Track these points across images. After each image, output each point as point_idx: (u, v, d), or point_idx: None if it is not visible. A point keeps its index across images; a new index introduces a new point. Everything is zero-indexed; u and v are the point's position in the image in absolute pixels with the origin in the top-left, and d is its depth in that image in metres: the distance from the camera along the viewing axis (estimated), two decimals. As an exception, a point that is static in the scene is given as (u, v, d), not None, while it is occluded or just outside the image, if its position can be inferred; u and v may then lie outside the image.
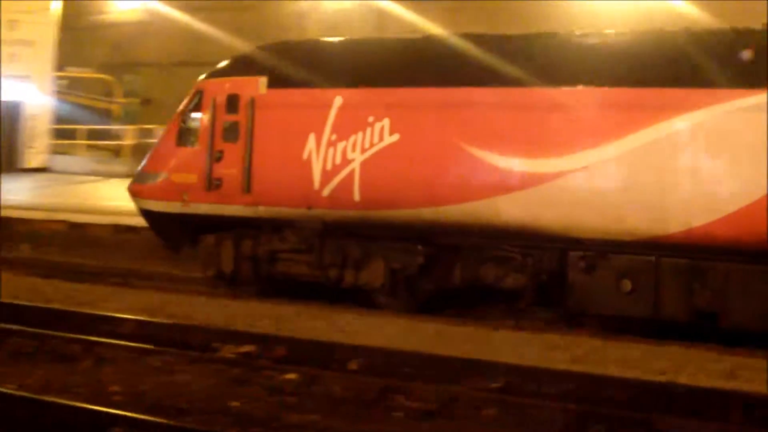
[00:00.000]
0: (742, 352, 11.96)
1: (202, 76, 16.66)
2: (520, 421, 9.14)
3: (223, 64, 16.70)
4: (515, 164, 13.77)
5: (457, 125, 14.15)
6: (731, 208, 12.57)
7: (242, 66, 16.25)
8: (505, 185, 13.79)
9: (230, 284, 16.21)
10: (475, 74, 14.20)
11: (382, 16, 34.85)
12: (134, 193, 17.02)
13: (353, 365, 11.08)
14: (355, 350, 11.38)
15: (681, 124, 12.90)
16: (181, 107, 16.63)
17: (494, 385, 10.26)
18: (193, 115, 16.39)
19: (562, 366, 10.89)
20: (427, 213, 14.29)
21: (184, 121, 16.48)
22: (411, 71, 14.93)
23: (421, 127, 14.42)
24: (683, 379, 10.56)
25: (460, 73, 14.38)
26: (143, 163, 17.16)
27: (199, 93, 16.31)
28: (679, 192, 12.84)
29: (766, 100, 12.43)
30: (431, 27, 26.26)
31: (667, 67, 13.22)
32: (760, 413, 9.33)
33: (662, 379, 10.53)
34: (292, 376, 10.44)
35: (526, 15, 30.89)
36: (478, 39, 14.62)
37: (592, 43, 14.26)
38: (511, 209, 13.74)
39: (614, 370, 10.86)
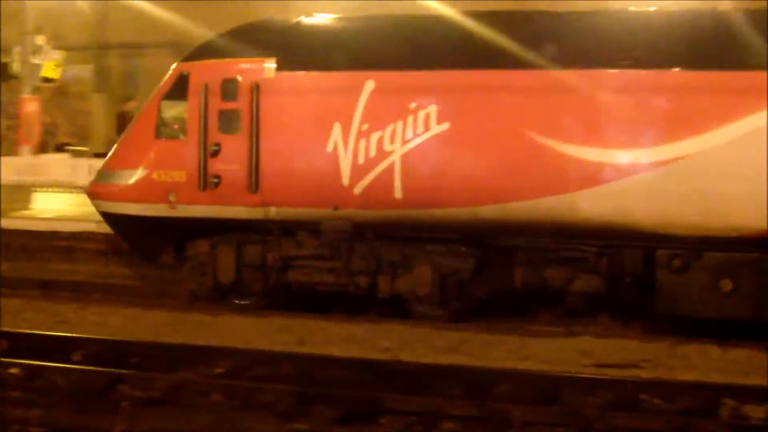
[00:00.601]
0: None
1: (184, 57, 14.20)
2: (245, 405, 9.30)
3: (212, 42, 14.29)
4: (600, 156, 12.27)
5: (527, 113, 12.48)
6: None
7: (240, 45, 13.86)
8: (585, 178, 12.28)
9: (228, 296, 14.04)
10: (550, 55, 12.49)
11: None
12: (97, 194, 14.47)
13: (77, 357, 10.91)
14: (79, 342, 11.25)
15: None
16: (155, 93, 14.15)
17: (218, 371, 10.41)
18: (174, 102, 13.91)
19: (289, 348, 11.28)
20: (487, 211, 12.60)
21: (162, 110, 13.99)
22: (466, 51, 13.05)
23: (478, 114, 12.63)
24: (405, 356, 10.97)
25: (530, 54, 12.59)
26: (107, 159, 14.58)
27: (183, 77, 13.87)
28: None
29: None
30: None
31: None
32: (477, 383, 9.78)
33: (386, 356, 10.98)
34: (14, 370, 10.18)
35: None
36: (552, 16, 12.96)
37: (687, 20, 12.85)
38: (592, 205, 12.26)
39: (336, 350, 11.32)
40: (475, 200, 12.61)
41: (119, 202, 14.09)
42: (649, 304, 12.49)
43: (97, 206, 14.56)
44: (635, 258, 12.52)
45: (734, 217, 11.92)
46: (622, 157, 12.26)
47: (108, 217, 14.46)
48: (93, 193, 14.56)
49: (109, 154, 14.63)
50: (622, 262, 12.58)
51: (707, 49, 12.34)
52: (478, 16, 13.27)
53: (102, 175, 14.45)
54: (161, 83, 14.18)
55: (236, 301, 13.98)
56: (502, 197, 12.53)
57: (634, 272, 12.56)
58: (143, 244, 14.59)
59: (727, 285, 12.11)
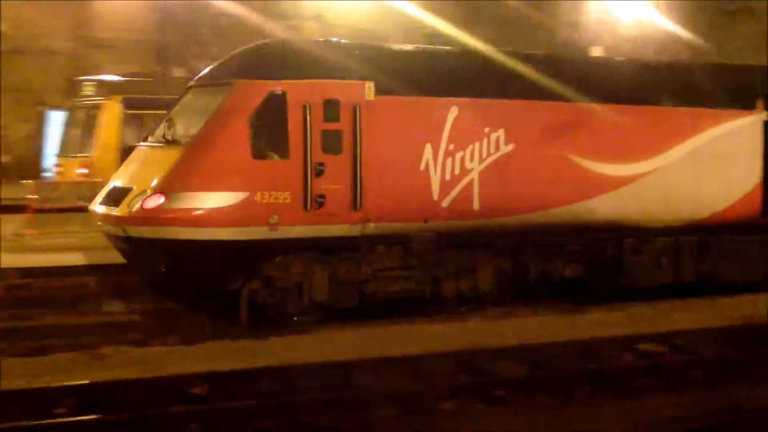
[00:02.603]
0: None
1: (247, 73, 14.38)
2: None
3: (297, 61, 14.51)
4: (609, 169, 16.36)
5: (565, 136, 15.98)
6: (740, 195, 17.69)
7: (338, 67, 14.51)
8: (604, 186, 16.34)
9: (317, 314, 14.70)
10: (583, 91, 16.06)
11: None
12: (167, 220, 13.64)
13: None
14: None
15: (709, 136, 17.38)
16: (231, 110, 13.98)
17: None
18: (269, 121, 13.97)
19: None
20: (537, 216, 15.75)
21: (254, 129, 13.89)
22: (525, 85, 15.83)
23: (535, 137, 15.72)
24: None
25: (570, 90, 15.99)
26: (174, 181, 13.79)
27: (277, 96, 14.04)
28: (712, 187, 17.33)
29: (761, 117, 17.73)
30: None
31: (710, 92, 17.40)
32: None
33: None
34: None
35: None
36: (583, 60, 16.21)
37: (662, 70, 17.25)
38: (603, 207, 16.34)
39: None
40: (529, 208, 15.71)
41: (206, 227, 13.67)
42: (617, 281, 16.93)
43: (156, 233, 13.69)
44: (611, 247, 16.81)
45: (682, 211, 17.14)
46: (623, 170, 16.52)
47: (172, 244, 13.73)
48: (154, 217, 13.62)
49: (173, 175, 13.80)
50: (604, 251, 16.76)
51: (672, 91, 17.18)
52: (532, 56, 16.11)
53: (173, 198, 13.63)
54: (234, 100, 14.01)
55: (295, 318, 14.58)
56: (549, 204, 15.87)
57: (609, 258, 16.83)
58: (208, 273, 14.17)
59: (665, 261, 17.18)
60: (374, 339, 13.16)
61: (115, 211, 14.13)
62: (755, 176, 17.90)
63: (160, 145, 14.57)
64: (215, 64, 15.61)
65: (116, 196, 14.33)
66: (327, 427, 9.62)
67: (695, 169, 17.25)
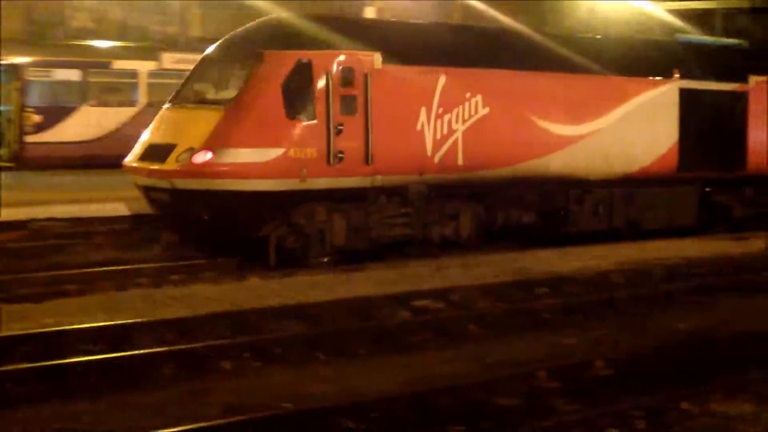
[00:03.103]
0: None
1: (279, 44, 16.62)
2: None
3: (319, 34, 16.80)
4: (561, 130, 19.38)
5: (527, 101, 18.97)
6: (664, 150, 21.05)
7: (353, 39, 16.93)
8: (557, 145, 19.33)
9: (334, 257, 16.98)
10: (540, 61, 19.23)
11: None
12: (210, 172, 15.76)
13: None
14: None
15: (637, 101, 20.67)
16: (269, 78, 16.20)
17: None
18: (299, 86, 16.25)
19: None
20: (505, 171, 18.65)
21: (287, 93, 16.13)
22: (496, 55, 18.79)
23: (504, 102, 18.61)
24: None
25: (530, 60, 19.07)
26: (225, 137, 15.86)
27: (305, 64, 16.33)
28: (639, 145, 20.58)
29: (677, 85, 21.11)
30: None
31: (637, 62, 20.64)
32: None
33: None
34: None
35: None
36: (544, 35, 19.12)
37: (605, 43, 20.26)
38: (557, 163, 19.34)
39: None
40: (500, 163, 18.54)
41: (249, 179, 15.88)
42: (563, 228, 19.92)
43: (205, 185, 15.79)
44: (560, 198, 19.76)
45: (616, 167, 20.31)
46: (571, 131, 19.53)
47: (222, 195, 15.85)
48: (202, 171, 15.72)
49: (218, 134, 15.88)
50: (554, 201, 19.70)
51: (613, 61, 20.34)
52: (507, 31, 18.91)
53: (220, 153, 15.73)
54: (263, 67, 16.29)
55: (316, 259, 16.81)
56: (514, 160, 18.73)
57: (558, 207, 19.77)
58: (245, 221, 16.31)
59: (601, 210, 20.24)
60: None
61: (162, 166, 16.11)
62: (673, 136, 21.29)
63: (196, 106, 16.68)
64: (232, 36, 17.80)
65: (159, 153, 16.31)
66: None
67: (626, 130, 20.47)
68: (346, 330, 12.06)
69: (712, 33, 35.67)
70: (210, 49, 17.82)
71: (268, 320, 12.33)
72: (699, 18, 39.86)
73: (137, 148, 17.01)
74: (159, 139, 16.69)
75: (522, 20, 34.40)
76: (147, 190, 16.83)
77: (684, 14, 41.49)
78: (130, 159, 17.03)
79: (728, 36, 35.08)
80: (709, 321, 13.71)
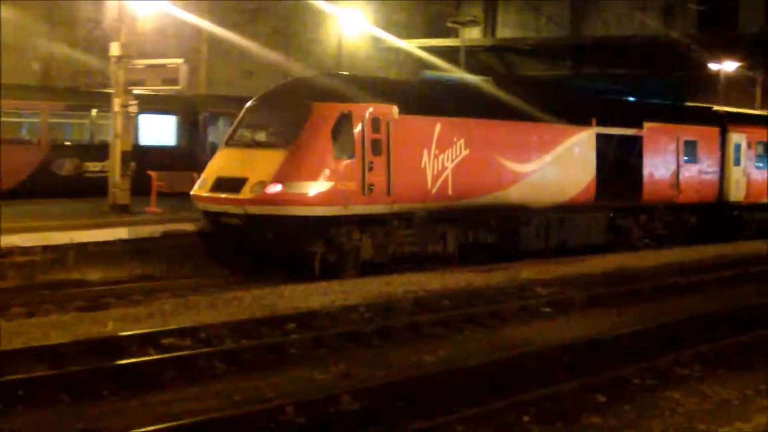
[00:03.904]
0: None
1: (325, 97, 21.46)
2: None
3: (351, 88, 21.95)
4: (516, 167, 24.93)
5: (494, 144, 24.53)
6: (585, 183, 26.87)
7: (378, 95, 22.08)
8: (516, 180, 24.86)
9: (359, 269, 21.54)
10: (500, 111, 24.96)
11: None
12: (280, 200, 20.24)
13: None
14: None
15: (567, 144, 26.51)
16: (317, 124, 20.94)
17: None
18: (342, 132, 21.04)
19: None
20: (479, 200, 24.06)
21: (338, 135, 20.90)
22: (470, 106, 24.31)
23: (479, 145, 24.00)
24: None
25: (493, 110, 24.81)
26: (290, 172, 20.38)
27: (346, 115, 21.16)
28: (569, 179, 26.43)
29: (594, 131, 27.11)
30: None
31: (566, 112, 26.75)
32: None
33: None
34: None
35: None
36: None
37: (544, 95, 26.41)
38: (513, 194, 24.86)
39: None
40: (476, 194, 23.94)
41: (308, 206, 20.46)
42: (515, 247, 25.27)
43: (275, 210, 20.19)
44: (513, 222, 25.17)
45: (554, 196, 26.05)
46: (523, 168, 25.23)
47: (286, 219, 20.23)
48: (272, 199, 20.14)
49: (285, 170, 20.35)
50: (509, 225, 25.09)
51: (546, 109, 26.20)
52: (478, 86, 25.10)
53: (290, 185, 20.27)
54: (314, 116, 20.93)
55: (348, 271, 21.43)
56: (486, 191, 24.19)
57: (511, 230, 25.14)
58: (301, 239, 20.71)
59: (541, 232, 25.88)
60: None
61: (237, 196, 20.40)
62: (592, 172, 27.32)
63: (259, 147, 21.21)
64: (279, 87, 22.91)
65: (232, 185, 20.62)
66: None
67: (560, 167, 26.30)
68: (88, 371, 11.96)
69: (457, 67, 39.94)
70: (255, 101, 22.49)
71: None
72: (444, 54, 46.02)
73: (206, 182, 21.33)
74: (229, 174, 21.01)
75: (286, 49, 38.51)
76: (218, 215, 21.08)
77: (430, 50, 47.83)
78: (200, 190, 21.33)
79: (470, 71, 41.63)
80: (454, 352, 14.44)
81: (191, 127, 35.02)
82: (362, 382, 12.30)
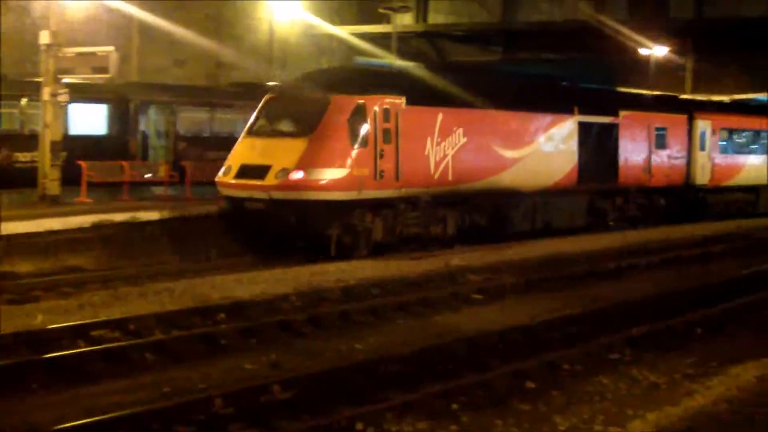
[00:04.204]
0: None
1: (343, 90, 22.40)
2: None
3: (364, 81, 23.16)
4: (508, 154, 25.97)
5: (489, 132, 25.62)
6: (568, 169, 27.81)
7: (388, 88, 22.93)
8: (507, 166, 25.85)
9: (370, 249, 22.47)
10: (494, 101, 25.88)
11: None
12: (302, 186, 21.19)
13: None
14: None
15: (552, 131, 27.69)
16: (338, 116, 21.86)
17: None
18: (357, 122, 21.99)
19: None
20: (476, 185, 25.01)
21: (354, 125, 21.83)
22: (468, 97, 25.13)
23: (475, 133, 24.99)
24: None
25: (488, 100, 25.64)
26: (309, 161, 21.30)
27: (361, 105, 22.07)
28: (554, 165, 27.42)
29: (576, 120, 28.09)
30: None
31: (552, 102, 27.99)
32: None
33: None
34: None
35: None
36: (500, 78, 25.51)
37: (532, 85, 28.36)
38: (505, 179, 25.84)
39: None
40: (473, 179, 24.84)
41: (327, 191, 21.37)
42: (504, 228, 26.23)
43: (297, 195, 21.08)
44: (503, 205, 26.09)
45: (540, 181, 27.06)
46: (513, 155, 26.27)
47: (308, 204, 21.11)
48: (295, 185, 21.03)
49: (306, 158, 21.24)
50: (499, 208, 26.00)
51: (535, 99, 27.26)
52: (479, 80, 27.17)
53: (311, 172, 21.18)
54: (332, 108, 21.86)
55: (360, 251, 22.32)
56: (481, 177, 25.12)
57: (501, 213, 26.05)
58: (318, 223, 21.54)
59: (528, 214, 26.84)
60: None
61: (262, 182, 21.30)
62: (573, 158, 28.43)
63: (281, 137, 22.06)
64: (297, 79, 24.43)
65: (257, 172, 21.51)
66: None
67: (547, 153, 27.44)
68: (17, 365, 11.94)
69: (389, 53, 40.84)
70: (274, 93, 23.53)
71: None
72: (377, 40, 46.55)
73: (230, 169, 22.13)
74: (253, 161, 21.88)
75: (218, 36, 38.18)
76: (242, 200, 21.89)
77: (362, 36, 47.96)
78: (226, 177, 22.16)
79: (403, 57, 42.71)
80: (385, 341, 14.46)
81: (122, 115, 34.34)
82: (292, 372, 12.24)
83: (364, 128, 22.11)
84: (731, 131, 36.34)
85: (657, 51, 44.04)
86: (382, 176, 22.23)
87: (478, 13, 49.27)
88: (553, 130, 27.78)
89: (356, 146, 21.92)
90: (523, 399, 11.68)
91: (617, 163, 30.35)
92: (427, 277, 19.62)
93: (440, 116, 24.05)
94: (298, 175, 21.28)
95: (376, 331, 15.34)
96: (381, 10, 43.14)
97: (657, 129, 32.20)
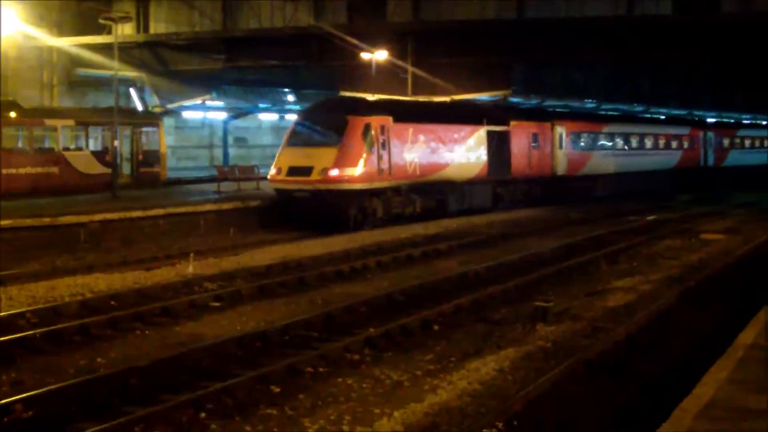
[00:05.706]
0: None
1: (355, 111, 33.91)
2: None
3: (368, 105, 35.36)
4: (448, 155, 37.76)
5: (444, 137, 37.49)
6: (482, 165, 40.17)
7: (383, 110, 34.55)
8: (448, 164, 37.72)
9: (372, 222, 33.52)
10: (440, 116, 38.32)
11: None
12: (338, 180, 32.00)
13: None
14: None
15: (471, 138, 39.57)
16: (355, 131, 32.83)
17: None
18: (365, 135, 33.18)
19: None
20: (435, 176, 36.76)
21: (365, 137, 32.82)
22: (426, 114, 37.44)
23: (436, 138, 36.76)
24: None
25: (436, 116, 38.06)
26: (342, 161, 32.22)
27: (368, 124, 33.18)
28: (474, 162, 39.60)
29: (485, 128, 40.43)
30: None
31: (470, 115, 40.28)
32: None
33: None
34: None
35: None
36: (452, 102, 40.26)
37: (459, 105, 41.52)
38: (446, 173, 37.53)
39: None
40: (433, 172, 36.67)
41: (354, 183, 32.50)
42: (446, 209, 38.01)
43: (335, 186, 31.93)
44: (445, 192, 37.67)
45: (466, 174, 39.03)
46: (452, 155, 38.18)
47: (339, 192, 32.01)
48: (333, 179, 31.92)
49: (339, 160, 32.16)
50: (443, 194, 37.61)
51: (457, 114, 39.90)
52: (445, 103, 40.05)
53: (343, 170, 32.13)
54: (350, 126, 32.93)
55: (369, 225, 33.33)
56: (436, 171, 36.90)
57: (445, 196, 37.66)
58: (345, 206, 32.19)
59: (460, 198, 38.53)
60: None
61: (308, 178, 32.10)
62: (484, 157, 40.19)
63: (319, 146, 32.87)
64: (323, 102, 36.97)
65: (303, 171, 32.24)
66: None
67: (468, 153, 38.95)
68: None
69: (111, 64, 40.41)
70: (303, 115, 35.28)
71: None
72: (100, 51, 45.79)
73: (280, 169, 32.78)
74: (298, 164, 32.49)
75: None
76: (291, 192, 32.57)
77: (85, 47, 46.79)
78: (278, 176, 32.86)
79: (126, 67, 45.82)
80: (126, 353, 14.59)
81: None
82: (33, 389, 12.15)
83: (370, 139, 33.20)
84: (578, 134, 48.58)
85: (378, 55, 44.79)
86: (381, 172, 33.49)
87: (199, 21, 48.13)
88: (474, 136, 39.42)
89: (367, 152, 32.99)
90: (270, 404, 12.00)
91: (510, 160, 42.04)
92: (164, 287, 19.92)
93: (411, 129, 35.40)
94: (335, 172, 32.24)
95: (117, 343, 15.47)
96: (101, 21, 41.14)
97: (533, 134, 44.18)
